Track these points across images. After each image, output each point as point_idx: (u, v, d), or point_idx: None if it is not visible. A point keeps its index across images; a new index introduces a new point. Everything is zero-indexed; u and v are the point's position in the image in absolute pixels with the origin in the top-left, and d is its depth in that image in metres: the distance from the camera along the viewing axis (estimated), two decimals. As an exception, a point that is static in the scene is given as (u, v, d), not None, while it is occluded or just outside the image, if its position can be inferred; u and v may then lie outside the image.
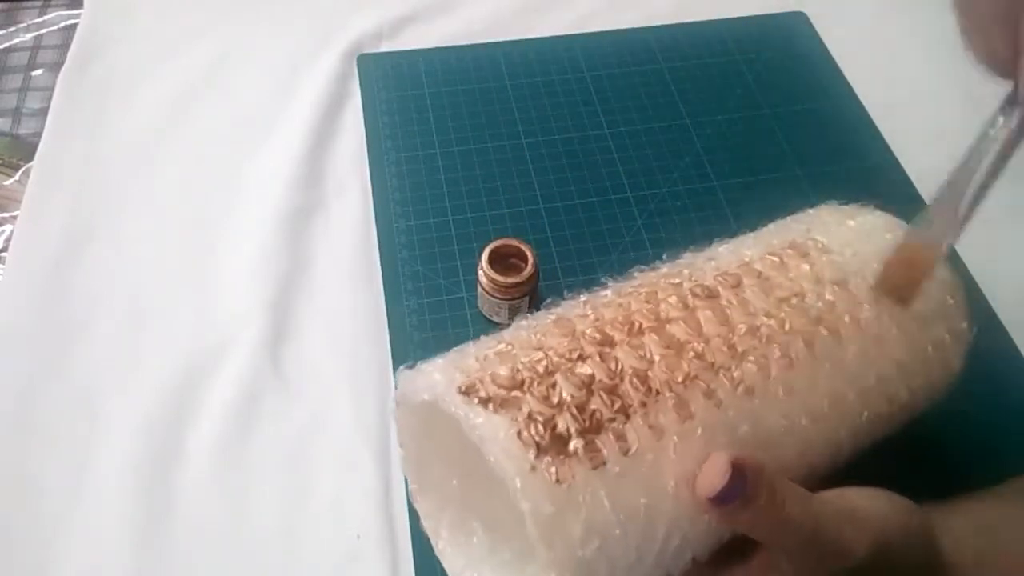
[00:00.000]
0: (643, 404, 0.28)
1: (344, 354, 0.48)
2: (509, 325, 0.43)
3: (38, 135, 0.59)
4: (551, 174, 0.57)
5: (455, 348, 0.31)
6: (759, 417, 0.30)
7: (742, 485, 0.27)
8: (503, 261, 0.47)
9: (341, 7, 0.67)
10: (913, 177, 0.57)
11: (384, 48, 0.65)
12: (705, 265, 0.35)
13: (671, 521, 0.28)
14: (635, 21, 0.67)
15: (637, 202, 0.55)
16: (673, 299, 0.32)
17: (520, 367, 0.29)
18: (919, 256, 0.33)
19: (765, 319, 0.32)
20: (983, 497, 0.36)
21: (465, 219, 0.54)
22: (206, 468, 0.44)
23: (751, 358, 0.31)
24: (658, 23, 0.67)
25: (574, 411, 0.27)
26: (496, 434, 0.26)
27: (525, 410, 0.27)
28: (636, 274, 0.35)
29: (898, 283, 0.33)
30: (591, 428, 0.27)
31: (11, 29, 1.56)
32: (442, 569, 0.34)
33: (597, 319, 0.31)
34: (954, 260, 0.51)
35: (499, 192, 0.56)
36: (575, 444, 0.27)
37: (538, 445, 0.26)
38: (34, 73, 1.50)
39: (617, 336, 0.30)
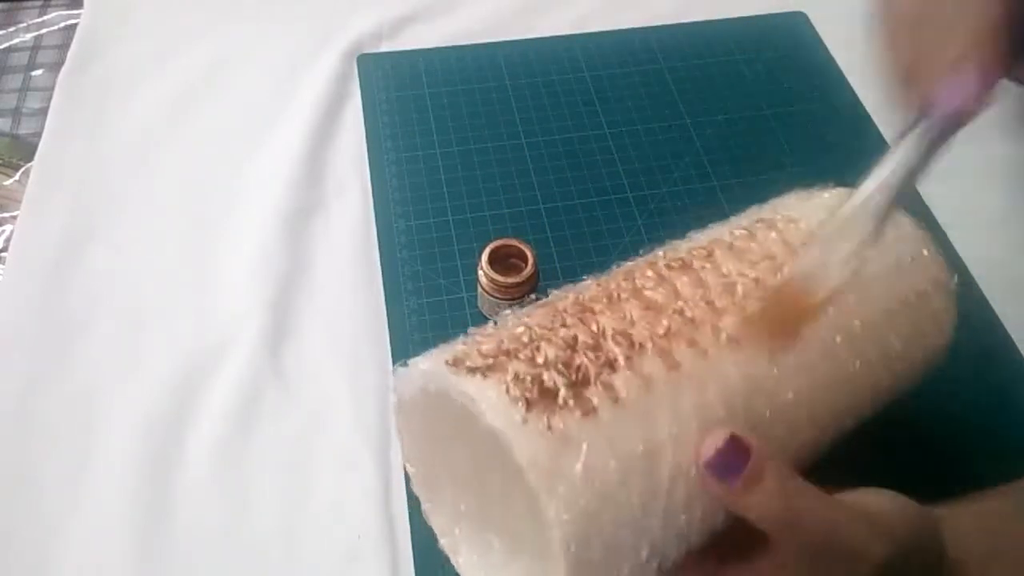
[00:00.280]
0: (628, 357, 0.29)
1: (344, 354, 0.48)
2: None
3: (38, 135, 0.59)
4: (551, 174, 0.57)
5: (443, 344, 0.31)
6: (748, 366, 0.30)
7: (744, 457, 0.27)
8: (503, 261, 0.47)
9: (341, 7, 0.67)
10: (913, 177, 0.57)
11: (384, 48, 0.65)
12: (679, 245, 0.36)
13: (673, 468, 0.28)
14: (635, 21, 0.67)
15: (637, 202, 0.55)
16: (649, 273, 0.33)
17: (504, 339, 0.29)
18: (802, 294, 0.30)
19: (739, 278, 0.32)
20: (986, 497, 0.36)
21: (465, 219, 0.54)
22: (206, 468, 0.44)
23: (731, 312, 0.31)
24: (658, 23, 0.67)
25: (560, 367, 0.28)
26: (485, 395, 0.27)
27: (511, 371, 0.28)
28: (615, 267, 0.35)
29: (776, 321, 0.30)
30: (579, 382, 0.28)
31: (11, 29, 1.56)
32: (442, 569, 0.34)
33: (578, 298, 0.32)
34: (954, 260, 0.51)
35: (499, 192, 0.56)
36: (564, 396, 0.27)
37: (527, 400, 0.27)
38: (34, 73, 1.50)
39: (597, 307, 0.31)
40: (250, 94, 0.62)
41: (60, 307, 0.50)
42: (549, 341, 0.29)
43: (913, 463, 0.42)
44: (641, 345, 0.29)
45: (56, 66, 0.66)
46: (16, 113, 1.45)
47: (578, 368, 0.28)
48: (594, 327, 0.30)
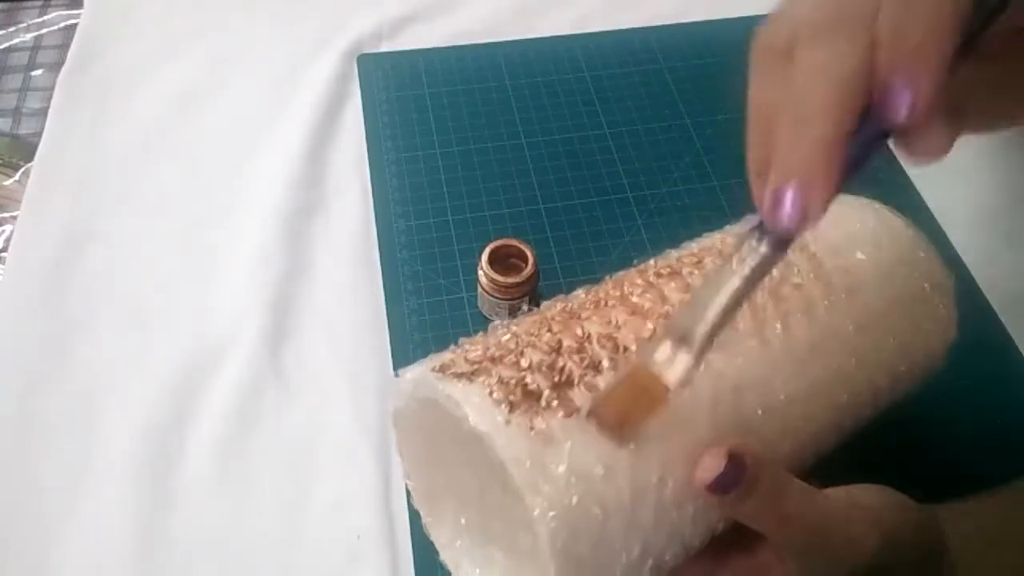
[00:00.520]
0: (612, 359, 0.29)
1: (344, 354, 0.48)
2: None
3: (38, 135, 0.59)
4: (551, 174, 0.57)
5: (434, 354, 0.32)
6: (738, 365, 0.30)
7: (740, 473, 0.27)
8: (503, 261, 0.47)
9: (341, 7, 0.67)
10: (913, 177, 0.57)
11: (384, 48, 0.65)
12: (671, 254, 0.36)
13: (662, 465, 0.28)
14: (635, 21, 0.67)
15: (637, 202, 0.55)
16: (639, 280, 0.33)
17: (491, 346, 0.30)
18: (647, 386, 0.27)
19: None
20: (985, 499, 0.36)
21: (465, 219, 0.54)
22: (206, 468, 0.44)
23: None
24: (658, 23, 0.67)
25: (544, 370, 0.28)
26: (469, 399, 0.27)
27: (496, 375, 0.28)
28: (608, 277, 0.36)
29: (616, 413, 0.27)
30: (562, 383, 0.28)
31: (11, 29, 1.56)
32: (442, 569, 0.34)
33: (566, 307, 0.32)
34: (954, 260, 0.51)
35: (499, 192, 0.56)
36: (547, 397, 0.27)
37: (510, 402, 0.27)
38: (34, 73, 1.50)
39: (584, 313, 0.31)
40: (250, 94, 0.62)
41: (60, 307, 0.50)
42: (534, 346, 0.29)
43: (912, 463, 0.42)
44: (626, 347, 0.29)
45: (56, 66, 0.66)
46: (16, 113, 1.45)
47: (562, 370, 0.28)
48: (579, 331, 0.30)
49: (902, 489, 0.32)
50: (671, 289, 0.32)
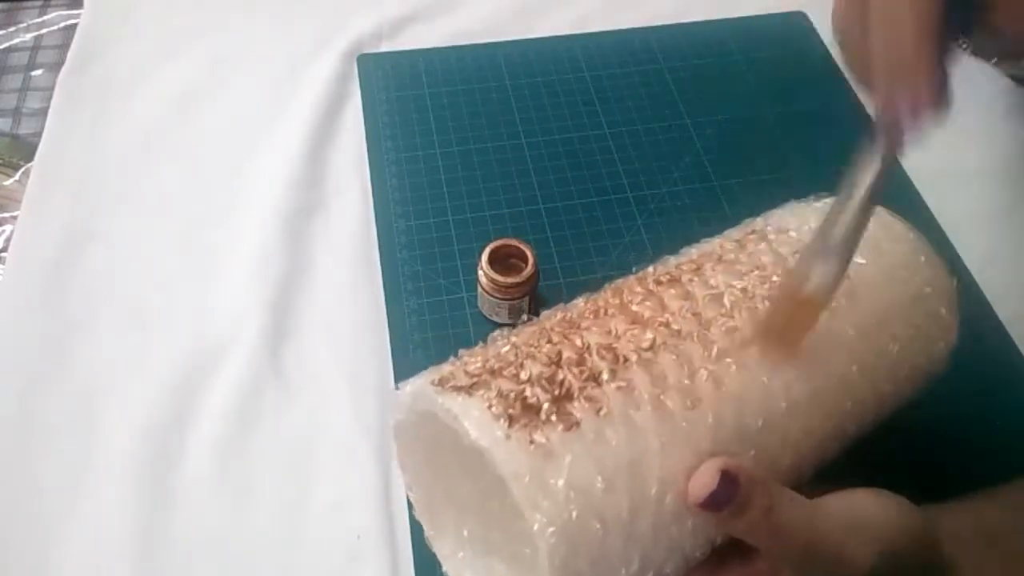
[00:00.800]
0: (612, 371, 0.29)
1: (344, 354, 0.48)
2: (509, 325, 0.44)
3: (38, 135, 0.59)
4: (551, 174, 0.57)
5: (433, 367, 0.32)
6: (737, 376, 0.30)
7: (733, 490, 0.27)
8: (503, 261, 0.47)
9: (341, 7, 0.67)
10: (913, 177, 0.57)
11: (384, 48, 0.65)
12: (670, 260, 0.36)
13: (661, 479, 0.28)
14: (635, 21, 0.67)
15: (637, 202, 0.55)
16: (638, 288, 0.33)
17: (490, 358, 0.30)
18: (803, 300, 0.31)
19: (727, 289, 0.32)
20: (983, 499, 0.36)
21: (465, 219, 0.54)
22: (206, 468, 0.44)
23: (719, 323, 0.31)
24: (658, 23, 0.67)
25: (543, 383, 0.28)
26: (469, 412, 0.27)
27: (495, 389, 0.28)
28: (607, 286, 0.36)
29: (782, 329, 0.31)
30: (562, 396, 0.28)
31: (11, 29, 1.56)
32: (442, 569, 0.34)
33: (565, 316, 0.32)
34: (955, 261, 0.51)
35: (499, 192, 0.56)
36: (547, 411, 0.27)
37: (510, 416, 0.27)
38: (34, 73, 1.50)
39: (584, 323, 0.31)
40: (250, 94, 0.62)
41: (60, 307, 0.50)
42: (534, 358, 0.29)
43: (911, 463, 0.42)
44: (626, 358, 0.29)
45: (56, 66, 0.66)
46: (16, 113, 1.45)
47: (561, 383, 0.28)
48: (579, 342, 0.30)
49: (901, 490, 0.32)
50: (671, 296, 0.32)
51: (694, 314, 0.31)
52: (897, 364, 0.35)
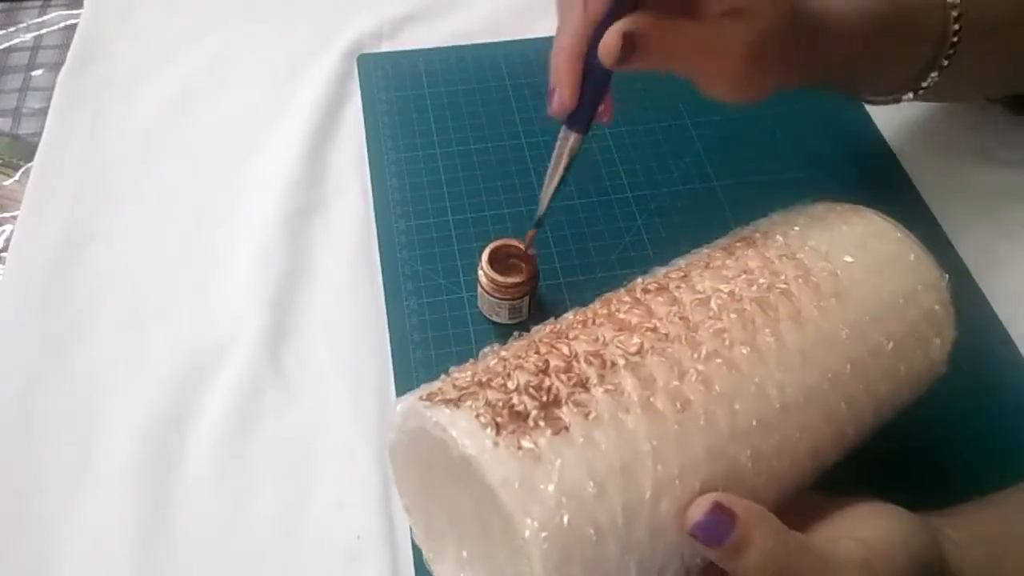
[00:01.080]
0: (600, 376, 0.29)
1: (344, 354, 0.48)
2: (509, 325, 0.44)
3: (38, 135, 0.59)
4: (551, 174, 0.57)
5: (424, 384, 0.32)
6: (727, 375, 0.30)
7: (728, 525, 0.27)
8: (503, 261, 0.47)
9: (341, 7, 0.67)
10: (913, 176, 0.57)
11: (384, 48, 0.65)
12: (657, 271, 0.36)
13: (656, 481, 0.27)
14: (635, 21, 0.67)
15: (637, 202, 0.55)
16: (626, 298, 0.33)
17: (479, 372, 0.30)
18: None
19: (714, 293, 0.32)
20: (984, 506, 0.36)
21: (465, 219, 0.54)
22: (206, 468, 0.44)
23: (707, 325, 0.31)
24: (658, 23, 0.67)
25: (531, 391, 0.28)
26: (457, 423, 0.27)
27: (483, 399, 0.28)
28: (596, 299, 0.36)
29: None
30: (550, 403, 0.28)
31: (11, 29, 1.56)
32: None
33: (554, 328, 0.32)
34: (954, 260, 0.51)
35: (499, 192, 0.55)
36: (534, 417, 0.27)
37: (497, 424, 0.27)
38: (34, 73, 1.50)
39: (572, 333, 0.31)
40: (250, 94, 0.62)
41: (60, 307, 0.50)
42: (521, 368, 0.29)
43: (911, 466, 0.42)
44: (613, 363, 0.29)
45: (56, 66, 0.66)
46: (16, 113, 1.45)
47: (548, 389, 0.28)
48: (566, 351, 0.30)
49: (899, 493, 0.32)
50: (658, 303, 0.32)
51: (681, 318, 0.31)
52: (893, 362, 0.34)
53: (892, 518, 0.31)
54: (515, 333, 0.33)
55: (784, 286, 0.33)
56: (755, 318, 0.32)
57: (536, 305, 0.49)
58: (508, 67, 0.63)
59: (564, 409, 0.28)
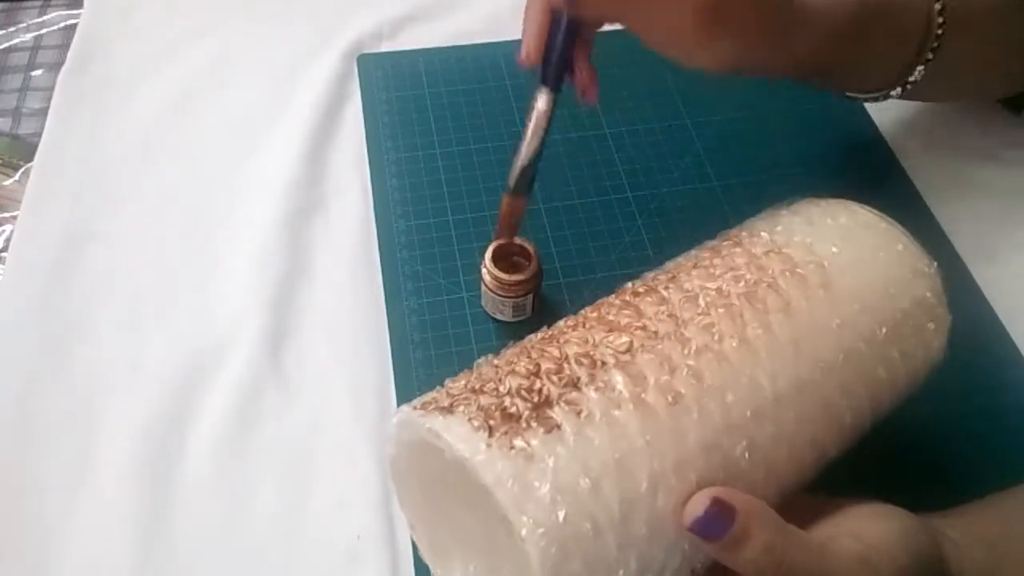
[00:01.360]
0: (591, 375, 0.29)
1: (344, 354, 0.48)
2: (512, 323, 0.44)
3: (38, 135, 0.59)
4: (551, 174, 0.57)
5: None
6: (719, 371, 0.30)
7: (727, 520, 0.27)
8: (506, 259, 0.47)
9: (341, 7, 0.67)
10: (913, 176, 0.57)
11: (384, 48, 0.65)
12: (647, 276, 0.36)
13: (652, 475, 0.28)
14: (635, 21, 0.67)
15: (637, 202, 0.55)
16: (616, 301, 0.33)
17: (471, 380, 0.30)
18: (511, 205, 0.44)
19: (701, 291, 0.33)
20: (984, 507, 0.36)
21: (465, 219, 0.54)
22: (206, 468, 0.44)
23: (696, 321, 0.31)
24: (658, 23, 0.67)
25: (523, 393, 0.28)
26: (450, 428, 0.28)
27: (475, 404, 0.28)
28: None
29: (505, 227, 0.45)
30: (541, 403, 0.28)
31: (11, 29, 1.56)
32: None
33: (546, 335, 0.33)
34: (954, 260, 0.51)
35: (499, 192, 0.55)
36: (526, 418, 0.28)
37: (490, 427, 0.27)
38: (34, 73, 1.50)
39: (563, 337, 0.31)
40: (250, 94, 0.62)
41: (60, 307, 0.50)
42: (514, 373, 0.29)
43: (911, 466, 0.42)
44: (603, 362, 0.30)
45: (56, 66, 0.66)
46: (16, 113, 1.45)
47: (540, 391, 0.28)
48: (557, 353, 0.30)
49: (899, 494, 0.32)
50: (647, 304, 0.32)
51: (670, 315, 0.32)
52: (887, 349, 0.34)
53: (892, 518, 0.31)
54: (508, 343, 0.34)
55: (771, 280, 0.33)
56: (743, 312, 0.32)
57: (539, 303, 0.49)
58: (508, 67, 0.63)
59: (556, 409, 0.28)
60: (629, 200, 0.55)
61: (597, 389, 0.29)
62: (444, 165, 0.57)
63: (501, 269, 0.46)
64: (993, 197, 0.56)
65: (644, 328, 0.31)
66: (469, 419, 0.28)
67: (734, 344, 0.31)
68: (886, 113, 0.60)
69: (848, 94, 0.51)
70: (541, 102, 0.42)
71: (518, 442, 0.27)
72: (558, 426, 0.27)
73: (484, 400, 0.28)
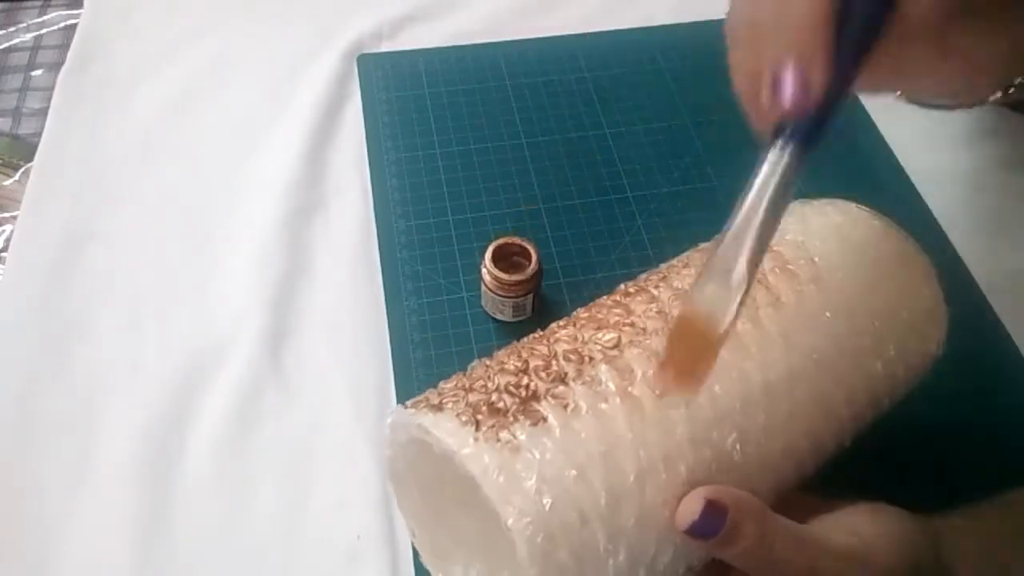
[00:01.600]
0: (578, 371, 0.29)
1: (344, 354, 0.48)
2: (512, 323, 0.44)
3: (38, 135, 0.59)
4: (551, 174, 0.57)
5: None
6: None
7: (720, 519, 0.27)
8: (507, 259, 0.47)
9: (341, 7, 0.67)
10: (913, 177, 0.57)
11: (384, 48, 0.65)
12: (640, 277, 0.36)
13: (639, 468, 0.28)
14: (635, 21, 0.67)
15: (637, 202, 0.55)
16: (607, 301, 0.34)
17: (463, 380, 0.30)
18: (702, 327, 0.28)
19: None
20: (985, 510, 0.36)
21: (465, 219, 0.54)
22: (206, 468, 0.44)
23: None
24: (658, 23, 0.67)
25: (510, 389, 0.29)
26: (439, 424, 0.28)
27: (464, 401, 0.29)
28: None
29: (685, 360, 0.28)
30: (528, 398, 0.28)
31: (11, 29, 1.56)
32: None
33: (538, 335, 0.33)
34: (954, 260, 0.51)
35: (499, 192, 0.55)
36: (514, 412, 0.28)
37: (477, 421, 0.28)
38: (34, 73, 1.50)
39: (553, 336, 0.32)
40: (250, 94, 0.62)
41: (60, 307, 0.50)
42: (503, 370, 0.30)
43: (911, 467, 0.42)
44: (590, 358, 0.30)
45: (56, 66, 0.66)
46: (16, 113, 1.45)
47: (527, 387, 0.29)
48: (546, 351, 0.30)
49: (899, 496, 0.32)
50: (637, 302, 0.33)
51: (659, 312, 0.32)
52: (881, 341, 0.34)
53: (889, 517, 0.31)
54: (527, 305, 0.34)
55: (761, 276, 0.33)
56: None
57: (539, 304, 0.49)
58: (508, 67, 0.63)
59: (543, 403, 0.28)
60: (629, 200, 0.55)
61: (584, 383, 0.29)
62: (444, 165, 0.57)
63: (501, 269, 0.46)
64: (993, 196, 0.56)
65: (632, 325, 0.31)
66: (457, 415, 0.28)
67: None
68: (886, 113, 0.60)
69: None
70: (788, 161, 0.28)
71: (504, 435, 0.27)
72: (544, 419, 0.28)
73: (473, 397, 0.29)
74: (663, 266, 0.37)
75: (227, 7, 0.68)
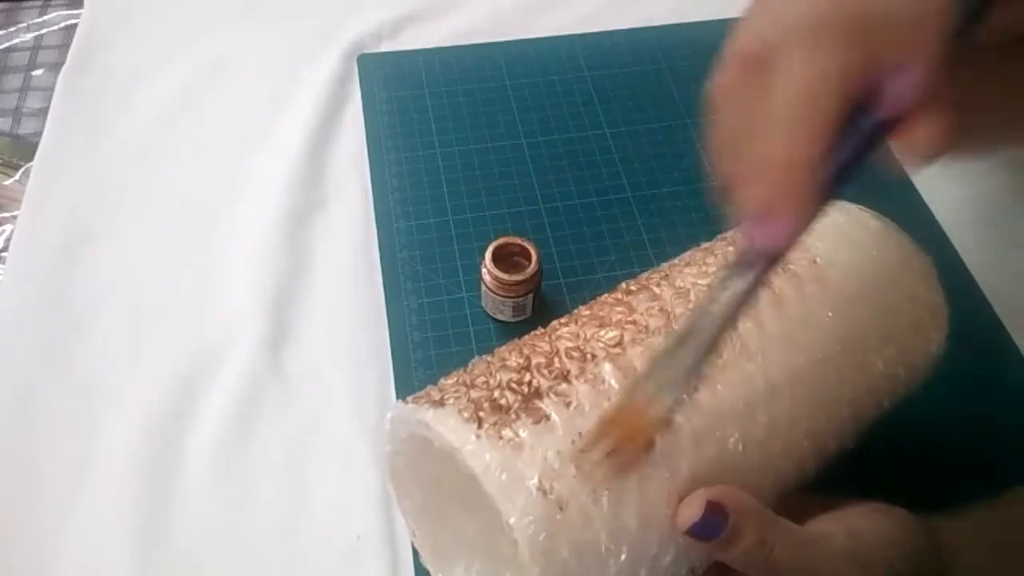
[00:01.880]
0: (581, 368, 0.29)
1: (344, 354, 0.48)
2: (512, 322, 0.44)
3: (38, 135, 0.59)
4: (551, 174, 0.57)
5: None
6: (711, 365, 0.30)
7: (721, 521, 0.27)
8: (507, 259, 0.47)
9: (341, 7, 0.67)
10: (915, 180, 0.57)
11: (384, 48, 0.65)
12: (641, 276, 0.36)
13: (641, 467, 0.28)
14: (635, 21, 0.67)
15: (637, 202, 0.55)
16: (609, 299, 0.34)
17: (464, 376, 0.30)
18: (641, 419, 0.27)
19: (692, 287, 0.33)
20: (985, 510, 0.36)
21: (465, 219, 0.54)
22: (206, 468, 0.44)
23: (685, 314, 0.31)
24: (658, 23, 0.67)
25: (513, 386, 0.29)
26: (441, 420, 0.28)
27: (466, 397, 0.28)
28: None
29: (615, 448, 0.27)
30: (531, 395, 0.28)
31: (11, 29, 1.56)
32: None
33: (540, 332, 0.33)
34: (956, 261, 0.51)
35: (499, 192, 0.55)
36: (516, 409, 0.28)
37: (479, 418, 0.27)
38: (34, 73, 1.50)
39: (555, 334, 0.32)
40: (250, 94, 0.62)
41: (60, 307, 0.50)
42: (505, 367, 0.30)
43: (911, 467, 0.42)
44: (593, 355, 0.30)
45: (56, 66, 0.66)
46: (16, 113, 1.45)
47: (529, 383, 0.29)
48: (548, 348, 0.30)
49: (899, 496, 0.32)
50: (639, 300, 0.33)
51: (661, 310, 0.32)
52: (883, 342, 0.34)
53: (889, 517, 0.31)
54: (527, 305, 0.34)
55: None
56: None
57: (540, 303, 0.49)
58: (508, 67, 0.63)
59: (545, 400, 0.28)
60: (629, 200, 0.55)
61: (587, 381, 0.29)
62: (444, 165, 0.57)
63: (501, 269, 0.46)
64: (993, 197, 0.56)
65: (635, 323, 0.31)
66: (459, 411, 0.28)
67: (727, 339, 0.31)
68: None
69: None
70: (756, 276, 0.27)
71: (507, 432, 0.27)
72: (547, 417, 0.28)
73: (475, 393, 0.29)
74: (664, 265, 0.37)
75: (227, 7, 0.68)
